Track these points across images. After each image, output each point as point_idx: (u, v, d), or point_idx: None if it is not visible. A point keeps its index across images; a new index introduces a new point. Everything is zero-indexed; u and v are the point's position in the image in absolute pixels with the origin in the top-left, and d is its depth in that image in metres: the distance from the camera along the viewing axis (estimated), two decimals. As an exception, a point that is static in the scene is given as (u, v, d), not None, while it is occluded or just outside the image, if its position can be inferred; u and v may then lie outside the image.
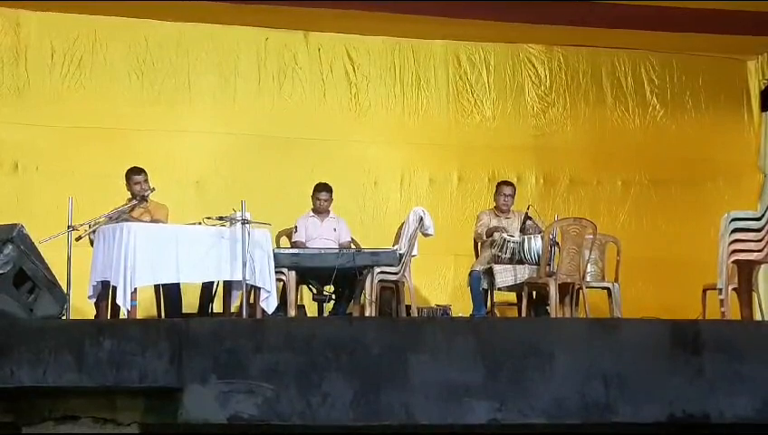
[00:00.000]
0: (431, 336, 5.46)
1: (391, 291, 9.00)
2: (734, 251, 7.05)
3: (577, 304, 8.95)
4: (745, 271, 7.39)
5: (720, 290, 7.22)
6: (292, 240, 9.25)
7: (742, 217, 7.10)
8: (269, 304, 8.03)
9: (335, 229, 9.27)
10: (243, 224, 7.76)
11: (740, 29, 10.37)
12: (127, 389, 4.96)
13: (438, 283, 10.45)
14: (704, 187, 11.08)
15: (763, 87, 11.38)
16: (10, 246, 6.46)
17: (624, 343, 5.59)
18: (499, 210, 9.45)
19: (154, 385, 4.95)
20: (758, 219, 6.99)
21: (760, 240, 6.93)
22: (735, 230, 7.04)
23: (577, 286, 8.82)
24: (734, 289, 7.48)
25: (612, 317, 8.80)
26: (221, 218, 7.94)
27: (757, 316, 8.65)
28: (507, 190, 9.46)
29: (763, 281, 9.00)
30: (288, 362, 5.16)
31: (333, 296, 8.87)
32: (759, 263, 7.40)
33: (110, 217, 8.02)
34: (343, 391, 5.18)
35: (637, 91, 11.22)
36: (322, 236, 9.19)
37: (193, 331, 5.13)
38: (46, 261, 6.91)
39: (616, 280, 9.18)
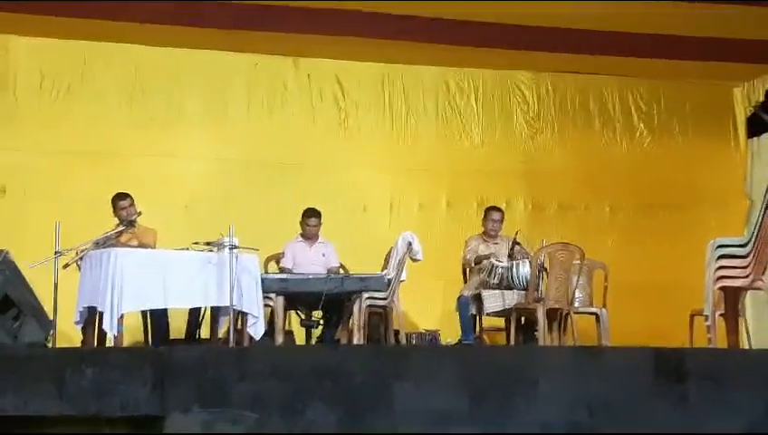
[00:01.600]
0: (416, 363, 5.46)
1: (380, 316, 8.98)
2: (721, 277, 7.07)
3: (565, 330, 8.95)
4: (732, 297, 7.39)
5: (706, 317, 7.22)
6: (280, 265, 9.24)
7: (728, 244, 7.11)
8: (256, 329, 8.00)
9: (323, 254, 9.27)
10: (230, 249, 7.74)
11: (726, 56, 10.42)
12: (109, 417, 4.94)
13: (427, 308, 10.41)
14: (691, 212, 11.10)
15: (749, 113, 11.44)
16: (-5, 273, 6.47)
17: (609, 370, 5.60)
18: (487, 235, 9.46)
19: (136, 414, 4.94)
20: (744, 245, 7.00)
21: (746, 266, 6.94)
22: (722, 257, 7.05)
23: (565, 312, 8.83)
24: (721, 315, 7.48)
25: (597, 344, 8.80)
26: (209, 244, 7.92)
27: (744, 343, 8.67)
28: (496, 216, 9.47)
29: (751, 307, 9.00)
30: (272, 390, 5.15)
31: (321, 322, 8.85)
32: (745, 289, 7.41)
33: (98, 243, 8.01)
34: (327, 418, 5.17)
35: (624, 117, 11.30)
36: (311, 261, 9.20)
37: (176, 359, 5.12)
38: (33, 286, 6.91)
39: (604, 305, 9.17)
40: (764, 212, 6.78)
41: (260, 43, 10.23)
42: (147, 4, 9.05)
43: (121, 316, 7.48)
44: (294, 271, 9.03)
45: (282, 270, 9.13)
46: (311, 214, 9.28)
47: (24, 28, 9.70)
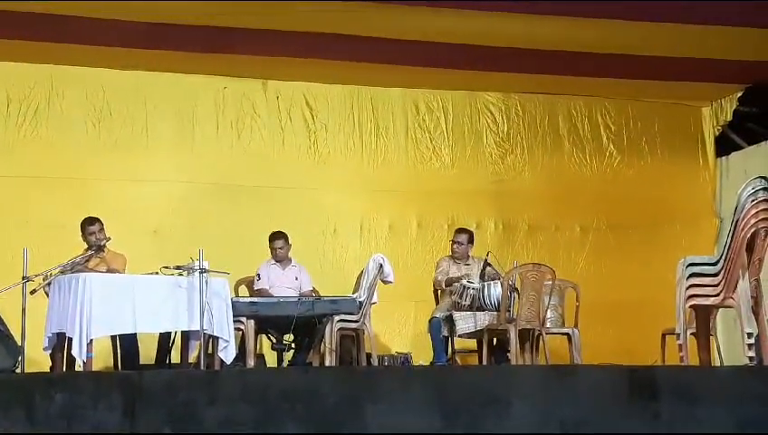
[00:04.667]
0: (388, 385, 5.43)
1: (351, 339, 8.96)
2: (692, 296, 7.06)
3: (537, 351, 8.95)
4: (703, 315, 7.40)
5: (678, 335, 7.22)
6: (255, 288, 9.19)
7: (698, 262, 7.11)
8: (227, 353, 7.93)
9: (297, 278, 9.23)
10: (201, 273, 7.69)
11: (694, 76, 10.50)
12: (79, 442, 4.88)
13: (399, 330, 10.43)
14: (661, 231, 11.15)
15: (718, 133, 11.53)
16: (-38, 299, 6.39)
17: (581, 389, 5.58)
18: (455, 257, 9.47)
19: (107, 439, 4.88)
20: (714, 264, 7.01)
21: (716, 285, 6.94)
22: (692, 275, 7.06)
23: (537, 332, 8.84)
24: (692, 333, 7.48)
25: (569, 364, 8.80)
26: (179, 268, 7.86)
27: (716, 360, 8.69)
28: (459, 238, 9.50)
29: (722, 325, 9.02)
30: (244, 414, 5.11)
31: (293, 345, 8.80)
32: (716, 307, 7.41)
33: (66, 268, 7.93)
34: (299, 441, 5.13)
35: (593, 138, 11.36)
36: (284, 284, 9.16)
37: (147, 383, 5.07)
38: (0, 313, 6.83)
39: (576, 325, 9.18)
40: (734, 230, 6.79)
41: (228, 66, 10.21)
42: (113, 27, 8.98)
43: (91, 342, 7.40)
44: (271, 293, 8.99)
45: (258, 292, 9.07)
46: (276, 237, 9.24)
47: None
